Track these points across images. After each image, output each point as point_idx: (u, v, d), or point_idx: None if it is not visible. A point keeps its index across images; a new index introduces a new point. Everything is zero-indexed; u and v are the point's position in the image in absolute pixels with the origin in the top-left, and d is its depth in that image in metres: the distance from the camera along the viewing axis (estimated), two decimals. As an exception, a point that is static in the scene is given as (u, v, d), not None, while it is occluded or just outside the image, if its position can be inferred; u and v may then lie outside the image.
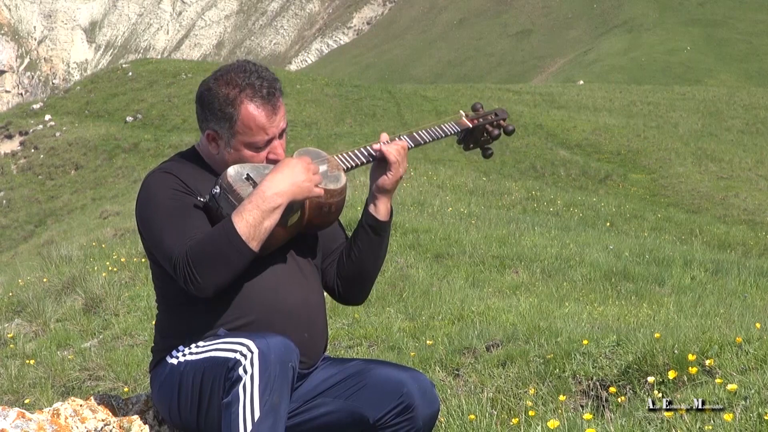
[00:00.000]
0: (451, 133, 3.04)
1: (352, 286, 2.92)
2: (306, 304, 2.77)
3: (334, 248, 2.93)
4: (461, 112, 3.10)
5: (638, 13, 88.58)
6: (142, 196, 2.71)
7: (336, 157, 2.83)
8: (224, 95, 2.69)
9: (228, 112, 2.68)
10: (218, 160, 2.77)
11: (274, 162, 2.75)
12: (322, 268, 2.92)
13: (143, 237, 2.73)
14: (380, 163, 2.85)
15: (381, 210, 2.86)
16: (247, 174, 2.66)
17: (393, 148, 2.83)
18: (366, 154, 2.85)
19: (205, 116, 2.73)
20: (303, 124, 30.41)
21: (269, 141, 2.73)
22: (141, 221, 2.71)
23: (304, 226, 2.74)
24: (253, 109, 2.69)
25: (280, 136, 2.76)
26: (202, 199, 2.67)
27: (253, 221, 2.54)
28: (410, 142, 2.93)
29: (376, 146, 2.85)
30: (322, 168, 2.77)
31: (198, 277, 2.54)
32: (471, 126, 3.08)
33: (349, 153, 2.85)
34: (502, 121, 3.12)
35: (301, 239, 2.80)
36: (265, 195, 2.56)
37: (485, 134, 3.11)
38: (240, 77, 2.70)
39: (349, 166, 2.83)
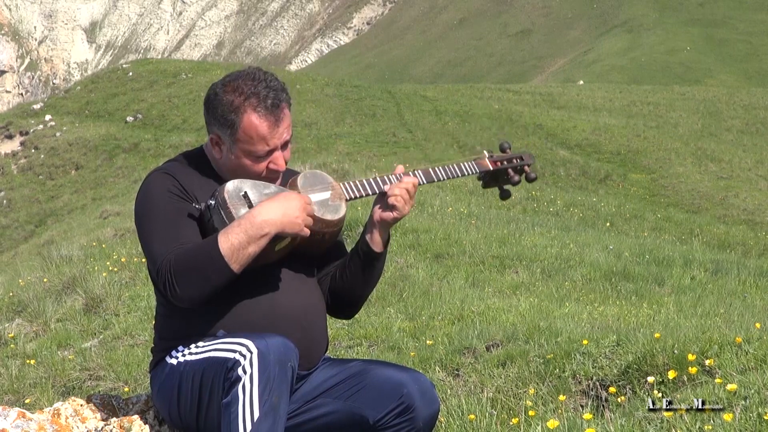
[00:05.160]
0: (470, 173, 2.95)
1: (341, 304, 2.92)
2: (305, 307, 2.77)
3: (330, 263, 2.91)
4: (485, 152, 3.02)
5: (638, 13, 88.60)
6: (140, 196, 2.73)
7: (342, 185, 2.77)
8: (228, 102, 2.68)
9: (230, 119, 2.68)
10: (221, 164, 2.78)
11: (274, 173, 2.74)
12: (317, 278, 2.91)
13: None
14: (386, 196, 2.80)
15: (377, 240, 2.82)
16: (245, 192, 2.63)
17: (399, 191, 2.76)
18: (374, 187, 2.79)
19: (210, 120, 2.74)
20: (303, 124, 30.40)
21: (270, 151, 2.72)
22: (136, 220, 2.73)
23: (295, 248, 2.70)
24: (255, 119, 2.67)
25: (284, 147, 2.74)
26: (197, 206, 2.65)
27: (237, 244, 2.54)
28: (423, 179, 2.85)
29: (388, 186, 2.78)
30: (324, 195, 2.72)
31: (177, 287, 2.55)
32: (492, 169, 2.99)
33: (357, 182, 2.78)
34: (526, 167, 3.04)
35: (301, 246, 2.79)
36: (255, 221, 2.55)
37: (506, 177, 3.02)
38: (247, 85, 2.68)
39: (353, 197, 2.77)
